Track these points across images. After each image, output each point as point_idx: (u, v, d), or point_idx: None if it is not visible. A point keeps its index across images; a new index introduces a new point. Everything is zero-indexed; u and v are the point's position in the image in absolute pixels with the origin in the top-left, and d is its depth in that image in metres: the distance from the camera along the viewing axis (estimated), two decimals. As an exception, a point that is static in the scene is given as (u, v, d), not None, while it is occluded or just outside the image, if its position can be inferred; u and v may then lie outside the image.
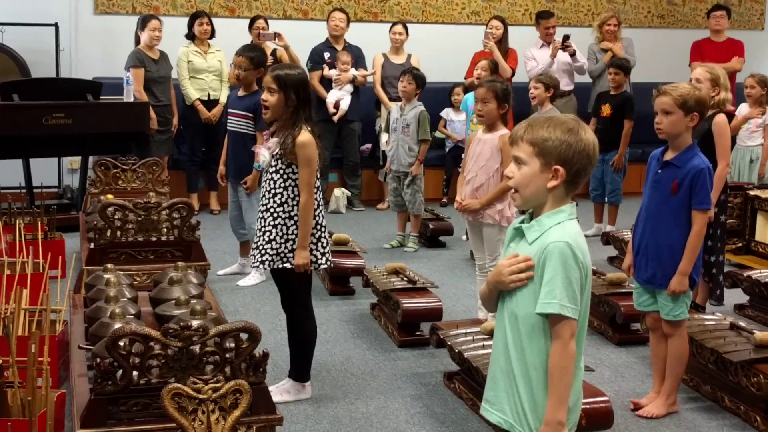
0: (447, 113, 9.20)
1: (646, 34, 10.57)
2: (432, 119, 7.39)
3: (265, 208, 4.02)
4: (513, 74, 8.60)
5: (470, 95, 7.37)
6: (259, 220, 4.07)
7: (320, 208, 4.05)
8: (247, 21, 8.79)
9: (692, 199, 3.84)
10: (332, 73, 8.72)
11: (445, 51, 9.78)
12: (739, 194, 6.93)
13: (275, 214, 3.98)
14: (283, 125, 3.99)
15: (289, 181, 3.97)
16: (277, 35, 8.35)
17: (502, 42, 8.66)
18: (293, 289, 4.09)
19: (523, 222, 2.47)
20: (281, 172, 3.98)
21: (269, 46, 8.48)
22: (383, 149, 8.49)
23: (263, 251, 4.00)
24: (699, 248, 3.90)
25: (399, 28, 8.96)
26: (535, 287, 2.37)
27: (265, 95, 4.01)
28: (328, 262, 4.10)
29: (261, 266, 4.05)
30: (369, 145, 9.27)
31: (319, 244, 4.03)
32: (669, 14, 10.91)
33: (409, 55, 9.01)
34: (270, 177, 4.02)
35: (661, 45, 10.57)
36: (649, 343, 4.20)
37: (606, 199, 7.70)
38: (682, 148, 3.89)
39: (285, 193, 3.97)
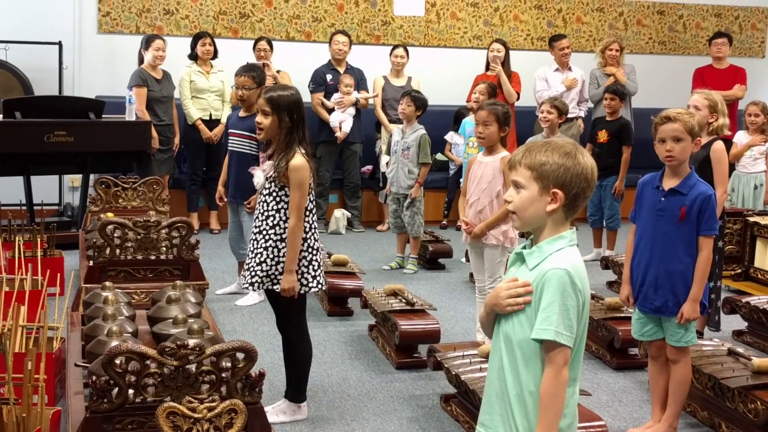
0: (451, 136, 9.21)
1: (647, 60, 10.64)
2: (433, 142, 7.42)
3: (258, 230, 4.02)
4: (518, 98, 8.63)
5: (468, 119, 7.40)
6: (252, 242, 4.07)
7: (313, 230, 4.05)
8: (249, 42, 8.86)
9: (700, 225, 3.83)
10: (335, 96, 8.75)
11: (447, 74, 9.86)
12: (739, 221, 6.95)
13: (266, 236, 3.98)
14: (278, 147, 4.00)
15: (282, 203, 3.97)
16: (265, 65, 8.39)
17: (504, 65, 8.70)
18: (287, 310, 4.09)
19: (524, 247, 2.47)
20: (274, 194, 3.99)
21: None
22: (383, 171, 8.52)
23: (253, 272, 4.00)
24: (708, 273, 3.89)
25: (400, 51, 9.00)
26: (533, 313, 2.36)
27: (259, 118, 4.01)
28: (319, 285, 4.07)
29: (251, 288, 4.05)
30: (369, 167, 9.29)
31: (311, 267, 4.01)
32: (670, 41, 10.97)
33: (410, 78, 9.05)
34: (264, 199, 4.03)
35: (662, 71, 10.64)
36: (649, 371, 4.16)
37: (604, 224, 7.70)
38: (684, 175, 3.88)
39: (277, 215, 3.97)
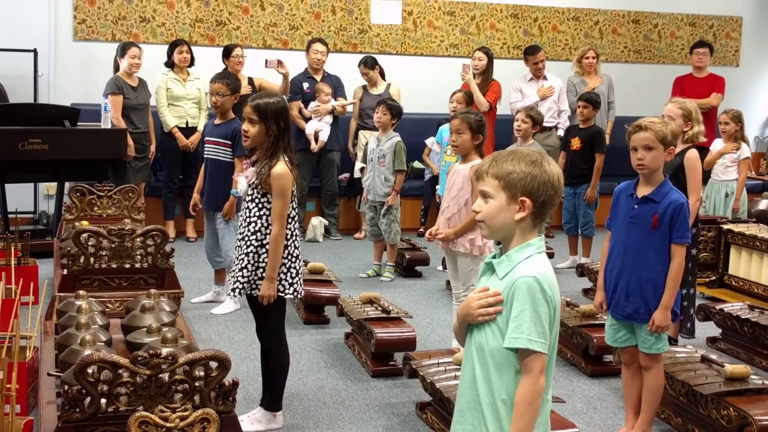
0: (432, 142, 9.19)
1: (622, 68, 10.71)
2: (410, 149, 7.43)
3: (241, 236, 4.03)
4: (491, 107, 8.61)
5: (445, 127, 7.42)
6: (236, 248, 4.08)
7: (294, 238, 4.05)
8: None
9: (672, 233, 3.85)
10: (312, 105, 8.74)
11: (423, 83, 9.88)
12: (713, 228, 7.00)
13: (248, 242, 3.98)
14: (263, 154, 4.01)
15: (264, 210, 3.98)
16: (279, 62, 8.36)
17: (485, 73, 8.68)
18: (266, 317, 4.08)
19: (494, 257, 2.48)
20: (257, 200, 4.00)
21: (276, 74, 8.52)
22: (357, 176, 8.52)
23: (236, 278, 4.01)
24: (680, 281, 3.92)
25: (361, 68, 8.94)
26: (504, 322, 2.37)
27: (245, 126, 4.01)
28: (296, 293, 4.07)
29: (232, 294, 4.04)
30: (347, 175, 9.29)
31: (288, 274, 4.01)
32: (645, 49, 11.05)
33: (389, 85, 9.03)
34: (246, 206, 4.04)
35: (637, 80, 10.72)
36: (622, 378, 4.17)
37: (579, 231, 7.74)
38: (658, 183, 3.91)
39: (259, 221, 3.98)
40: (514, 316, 2.34)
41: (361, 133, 8.83)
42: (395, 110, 7.20)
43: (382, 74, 9.07)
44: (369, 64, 8.93)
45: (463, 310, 2.45)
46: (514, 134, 8.76)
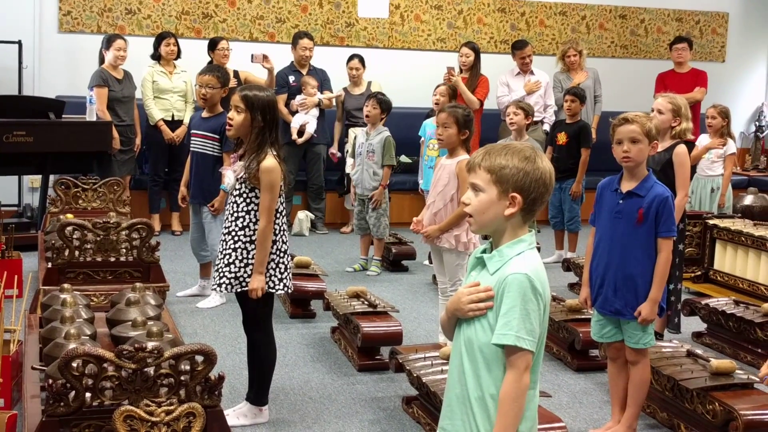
0: None
1: (609, 63, 10.72)
2: (397, 144, 7.41)
3: (227, 231, 4.00)
4: (481, 104, 8.56)
5: (428, 122, 7.40)
6: (221, 242, 4.05)
7: (282, 233, 4.04)
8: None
9: (658, 227, 3.86)
10: (298, 98, 8.71)
11: (410, 77, 9.87)
12: (698, 223, 7.01)
13: (236, 238, 3.96)
14: (250, 148, 3.98)
15: (252, 205, 3.96)
16: (264, 57, 8.32)
17: (473, 69, 8.63)
18: (254, 311, 4.06)
19: (484, 251, 2.47)
20: (244, 195, 3.97)
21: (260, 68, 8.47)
22: (347, 172, 8.50)
23: (222, 274, 3.98)
24: (667, 275, 3.92)
25: (355, 62, 8.95)
26: (494, 318, 2.36)
27: (231, 114, 3.99)
28: (286, 288, 4.06)
29: (219, 289, 4.02)
30: (338, 154, 9.12)
31: (278, 269, 4.00)
32: (632, 45, 11.06)
33: (370, 83, 8.99)
34: (234, 200, 4.01)
35: (623, 75, 10.73)
36: (608, 373, 4.18)
37: (565, 226, 7.75)
38: (642, 178, 3.91)
39: (247, 216, 3.96)
40: (504, 312, 2.33)
41: (351, 130, 8.79)
42: (385, 104, 7.18)
43: None
44: (363, 61, 8.94)
45: (453, 305, 2.44)
46: (500, 129, 8.82)
